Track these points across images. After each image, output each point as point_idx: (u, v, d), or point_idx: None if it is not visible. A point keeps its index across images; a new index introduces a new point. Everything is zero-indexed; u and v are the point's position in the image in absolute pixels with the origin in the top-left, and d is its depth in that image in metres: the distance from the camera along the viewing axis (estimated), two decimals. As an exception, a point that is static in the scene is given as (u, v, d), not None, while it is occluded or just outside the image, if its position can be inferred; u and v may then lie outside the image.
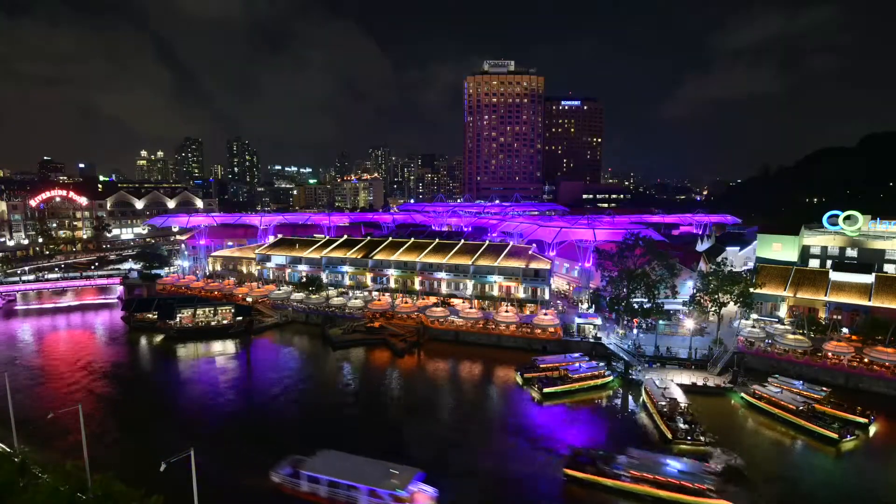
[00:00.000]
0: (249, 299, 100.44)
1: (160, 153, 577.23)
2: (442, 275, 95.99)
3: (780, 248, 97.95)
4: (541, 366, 67.34)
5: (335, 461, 41.54)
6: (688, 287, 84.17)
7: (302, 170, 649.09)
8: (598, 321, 79.43)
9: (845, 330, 71.91)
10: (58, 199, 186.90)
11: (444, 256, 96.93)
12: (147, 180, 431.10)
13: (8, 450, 45.25)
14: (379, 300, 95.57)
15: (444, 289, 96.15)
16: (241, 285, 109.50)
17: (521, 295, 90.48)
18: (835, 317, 73.16)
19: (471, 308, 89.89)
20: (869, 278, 74.17)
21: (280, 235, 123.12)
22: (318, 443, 51.63)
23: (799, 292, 76.66)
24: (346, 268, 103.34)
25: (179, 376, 72.15)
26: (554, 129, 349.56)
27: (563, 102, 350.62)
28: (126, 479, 34.13)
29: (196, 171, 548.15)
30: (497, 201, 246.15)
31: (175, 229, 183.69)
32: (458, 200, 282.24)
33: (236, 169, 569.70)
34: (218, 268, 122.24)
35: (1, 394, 48.64)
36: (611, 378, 65.77)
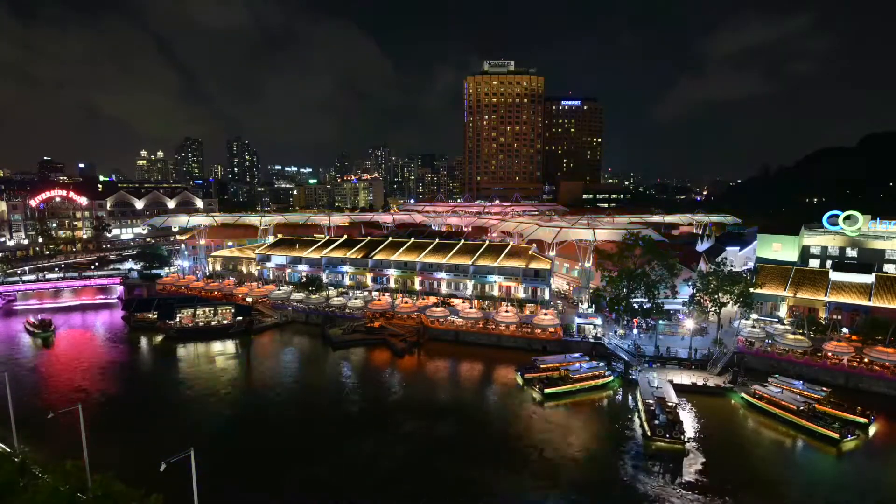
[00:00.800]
0: (249, 299, 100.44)
1: (160, 153, 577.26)
2: (442, 275, 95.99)
3: (780, 248, 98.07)
4: (541, 366, 67.34)
5: None
6: (688, 287, 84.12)
7: (302, 170, 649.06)
8: (598, 321, 79.43)
9: (845, 330, 71.90)
10: (58, 199, 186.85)
11: (444, 256, 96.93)
12: (147, 180, 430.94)
13: (8, 450, 45.23)
14: (379, 300, 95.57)
15: (444, 289, 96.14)
16: (241, 285, 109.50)
17: (521, 295, 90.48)
18: (835, 317, 73.16)
19: (471, 308, 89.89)
20: (869, 278, 74.16)
21: (280, 235, 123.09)
22: (319, 443, 51.76)
23: (799, 292, 76.66)
24: (346, 268, 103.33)
25: (179, 376, 72.09)
26: (554, 129, 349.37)
27: (563, 102, 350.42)
28: (126, 479, 34.08)
29: (196, 171, 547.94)
30: (497, 201, 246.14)
31: (175, 229, 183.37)
32: (458, 200, 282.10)
33: (236, 169, 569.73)
34: (218, 268, 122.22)
35: (1, 394, 48.61)
36: (611, 378, 65.78)
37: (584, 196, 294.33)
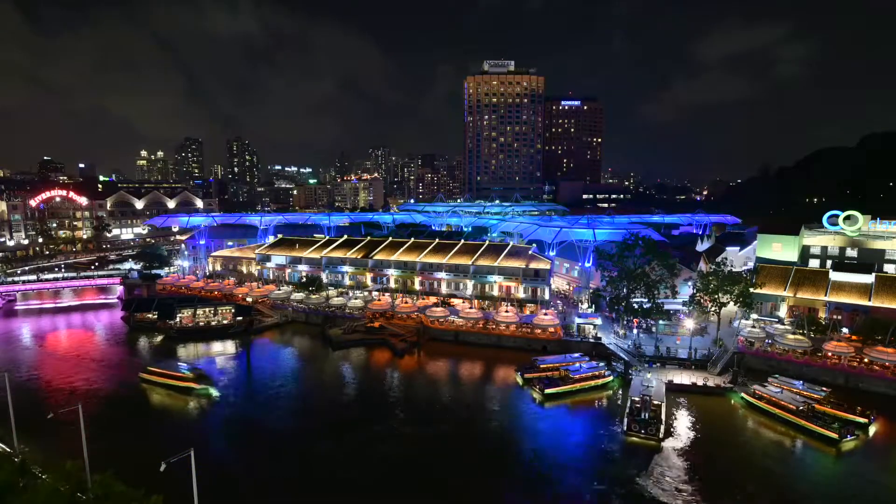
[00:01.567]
0: (249, 299, 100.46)
1: (160, 153, 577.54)
2: (442, 275, 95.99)
3: (780, 248, 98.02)
4: (541, 366, 67.35)
5: None
6: (688, 287, 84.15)
7: (302, 170, 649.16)
8: (598, 321, 79.44)
9: (845, 330, 71.90)
10: (58, 199, 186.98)
11: (444, 256, 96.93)
12: (147, 180, 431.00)
13: (8, 450, 45.29)
14: (379, 300, 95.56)
15: (444, 289, 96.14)
16: (241, 285, 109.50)
17: (521, 295, 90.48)
18: (835, 317, 73.16)
19: (471, 308, 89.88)
20: (869, 278, 74.17)
21: (280, 235, 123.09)
22: (318, 443, 51.76)
23: (799, 292, 76.66)
24: (346, 268, 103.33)
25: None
26: (554, 129, 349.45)
27: (563, 102, 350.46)
28: (126, 479, 34.09)
29: (196, 171, 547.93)
30: (497, 201, 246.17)
31: (175, 229, 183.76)
32: (458, 200, 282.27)
33: (236, 169, 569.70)
34: (218, 268, 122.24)
35: (1, 394, 48.62)
36: (611, 378, 65.80)
37: (584, 196, 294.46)
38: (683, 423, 55.00)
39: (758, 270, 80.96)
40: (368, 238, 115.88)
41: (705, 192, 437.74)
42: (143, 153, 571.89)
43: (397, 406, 61.79)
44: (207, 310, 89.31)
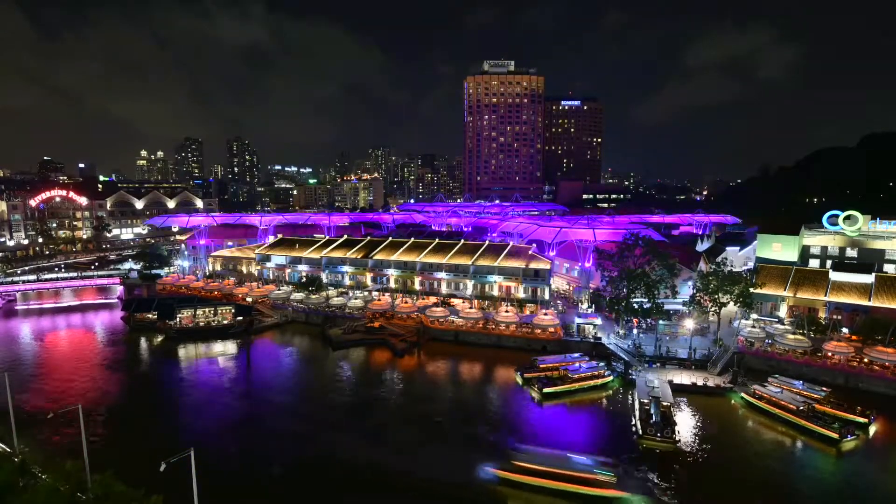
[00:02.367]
0: (249, 299, 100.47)
1: (160, 153, 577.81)
2: (442, 275, 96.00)
3: (780, 248, 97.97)
4: (541, 366, 67.34)
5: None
6: (688, 287, 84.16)
7: (302, 170, 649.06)
8: (598, 321, 79.44)
9: (845, 330, 71.92)
10: (58, 199, 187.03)
11: (444, 256, 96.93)
12: (147, 180, 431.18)
13: (8, 450, 45.27)
14: (379, 300, 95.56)
15: (444, 289, 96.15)
16: (241, 285, 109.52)
17: (521, 295, 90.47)
18: (835, 317, 73.18)
19: (471, 308, 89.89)
20: (869, 278, 74.17)
21: (280, 235, 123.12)
22: (318, 443, 51.75)
23: (799, 292, 76.66)
24: (346, 268, 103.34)
25: (179, 376, 72.09)
26: (554, 129, 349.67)
27: (563, 102, 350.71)
28: (126, 479, 34.08)
29: (196, 171, 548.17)
30: (497, 201, 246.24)
31: (175, 229, 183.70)
32: (458, 200, 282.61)
33: (236, 169, 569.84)
34: (218, 268, 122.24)
35: (1, 394, 48.60)
36: (611, 378, 65.78)
37: (584, 196, 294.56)
38: (685, 424, 54.94)
39: (758, 270, 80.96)
40: (368, 238, 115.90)
41: (705, 192, 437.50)
42: (143, 153, 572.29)
43: (397, 406, 61.81)
44: (207, 310, 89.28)
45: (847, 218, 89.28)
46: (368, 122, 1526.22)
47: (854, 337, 69.81)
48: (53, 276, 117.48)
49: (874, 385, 62.57)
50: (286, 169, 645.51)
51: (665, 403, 54.19)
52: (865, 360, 64.58)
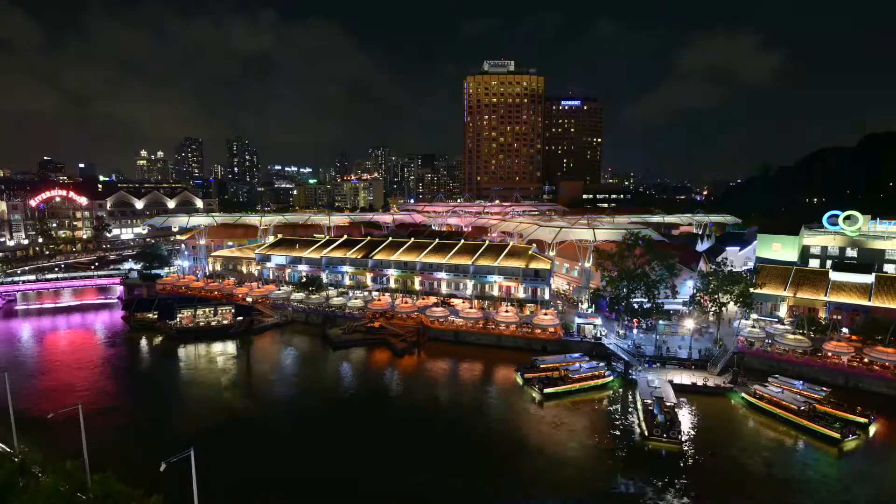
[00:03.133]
0: (249, 299, 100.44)
1: (160, 153, 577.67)
2: (442, 275, 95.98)
3: (780, 248, 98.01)
4: (541, 366, 67.36)
5: None
6: (688, 287, 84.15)
7: (302, 170, 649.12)
8: (598, 321, 79.41)
9: (845, 330, 71.90)
10: (58, 199, 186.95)
11: (444, 256, 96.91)
12: (147, 180, 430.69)
13: (8, 450, 45.25)
14: (379, 300, 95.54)
15: (444, 289, 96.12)
16: (241, 285, 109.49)
17: (521, 295, 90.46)
18: (835, 317, 73.17)
19: (471, 308, 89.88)
20: (869, 278, 74.16)
21: (280, 235, 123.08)
22: (318, 443, 51.76)
23: (799, 292, 76.65)
24: (346, 268, 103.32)
25: (179, 377, 72.14)
26: (554, 129, 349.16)
27: (563, 102, 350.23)
28: (126, 479, 34.04)
29: (196, 171, 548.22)
30: (497, 201, 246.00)
31: (175, 229, 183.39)
32: (458, 200, 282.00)
33: (236, 169, 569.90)
34: (218, 268, 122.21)
35: (1, 394, 48.59)
36: (611, 378, 65.76)
37: (584, 196, 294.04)
38: (686, 424, 54.90)
39: (758, 270, 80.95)
40: (368, 238, 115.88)
41: (705, 192, 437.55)
42: (143, 153, 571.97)
43: (397, 406, 61.80)
44: (207, 310, 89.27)
45: (847, 218, 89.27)
46: (368, 122, 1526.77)
47: (854, 337, 69.79)
48: (53, 276, 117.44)
49: (874, 385, 62.56)
50: (286, 169, 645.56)
51: (669, 404, 54.13)
52: (865, 360, 64.57)
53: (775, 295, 78.05)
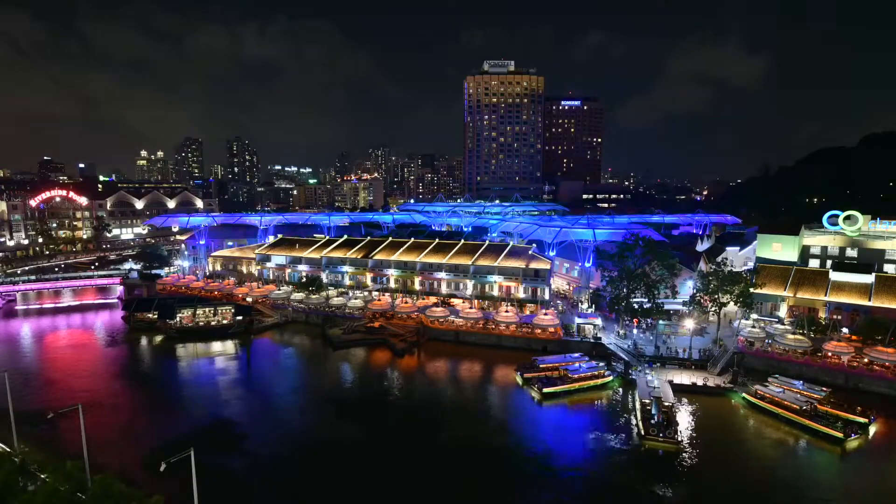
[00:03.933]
0: (249, 299, 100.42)
1: (160, 153, 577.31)
2: (442, 275, 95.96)
3: (780, 248, 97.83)
4: (541, 366, 67.35)
5: None
6: (688, 287, 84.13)
7: (302, 170, 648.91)
8: (598, 321, 79.41)
9: (845, 330, 71.87)
10: (58, 199, 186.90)
11: (444, 256, 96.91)
12: (147, 180, 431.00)
13: (8, 450, 45.22)
14: (379, 300, 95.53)
15: (444, 289, 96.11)
16: (241, 285, 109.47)
17: (521, 295, 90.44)
18: (835, 317, 73.13)
19: (471, 308, 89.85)
20: (869, 278, 74.14)
21: (280, 235, 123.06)
22: (318, 443, 51.77)
23: (799, 292, 76.63)
24: (346, 268, 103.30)
25: (179, 376, 72.12)
26: (554, 129, 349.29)
27: (563, 102, 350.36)
28: (126, 479, 34.09)
29: (196, 171, 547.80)
30: (497, 201, 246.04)
31: (175, 229, 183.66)
32: (458, 200, 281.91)
33: (236, 169, 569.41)
34: (218, 268, 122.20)
35: (1, 394, 48.58)
36: (611, 378, 65.75)
37: (584, 196, 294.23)
38: (686, 424, 54.94)
39: (758, 270, 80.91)
40: (368, 238, 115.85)
41: (705, 192, 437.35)
42: (143, 153, 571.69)
43: (397, 406, 61.78)
44: (207, 310, 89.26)
45: (847, 218, 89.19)
46: (368, 122, 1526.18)
47: (854, 337, 69.76)
48: (53, 276, 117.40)
49: (874, 385, 62.56)
50: (286, 169, 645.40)
51: (667, 403, 54.25)
52: (865, 360, 64.55)
53: (775, 295, 78.02)
